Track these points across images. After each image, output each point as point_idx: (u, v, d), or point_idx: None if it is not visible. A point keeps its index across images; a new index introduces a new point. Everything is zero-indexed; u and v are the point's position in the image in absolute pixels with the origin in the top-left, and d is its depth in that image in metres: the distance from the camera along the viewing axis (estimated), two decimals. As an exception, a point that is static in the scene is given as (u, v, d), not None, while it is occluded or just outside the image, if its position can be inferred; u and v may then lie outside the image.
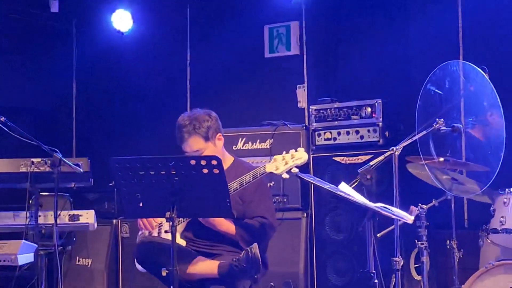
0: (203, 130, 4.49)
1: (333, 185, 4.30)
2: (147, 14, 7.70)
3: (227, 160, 4.64)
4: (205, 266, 4.30)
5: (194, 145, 4.49)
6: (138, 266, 4.68)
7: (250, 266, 4.13)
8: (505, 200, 4.94)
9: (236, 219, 4.47)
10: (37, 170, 6.03)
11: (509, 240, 4.96)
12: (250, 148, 6.31)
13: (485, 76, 4.83)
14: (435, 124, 4.74)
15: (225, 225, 4.46)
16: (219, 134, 4.57)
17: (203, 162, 3.80)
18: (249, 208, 4.51)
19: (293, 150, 4.28)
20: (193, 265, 4.30)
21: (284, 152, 4.27)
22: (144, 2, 7.61)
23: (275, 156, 4.32)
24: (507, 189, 4.97)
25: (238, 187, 4.31)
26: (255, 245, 4.17)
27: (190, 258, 4.33)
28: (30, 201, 5.95)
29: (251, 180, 4.32)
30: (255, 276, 4.32)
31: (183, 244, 4.48)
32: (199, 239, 4.53)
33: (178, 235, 4.48)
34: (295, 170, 4.27)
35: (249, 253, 4.13)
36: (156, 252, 4.29)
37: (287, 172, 4.24)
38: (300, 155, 4.25)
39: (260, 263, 4.17)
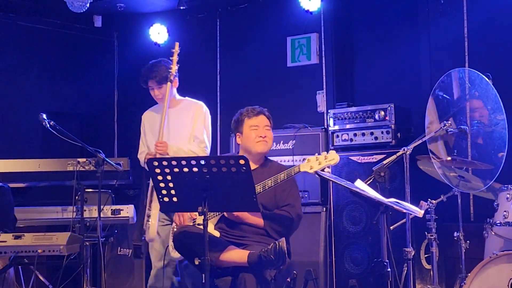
0: (271, 121, 4.79)
1: (349, 182, 4.29)
2: (181, 28, 7.72)
3: (261, 159, 4.74)
4: (236, 255, 4.29)
5: (267, 121, 4.73)
6: (173, 254, 4.69)
7: (277, 258, 4.13)
8: (508, 195, 4.89)
9: (266, 212, 4.50)
10: (83, 169, 6.07)
11: (512, 232, 4.93)
12: (274, 148, 6.30)
13: (489, 82, 4.80)
14: (443, 126, 4.71)
15: (252, 219, 4.50)
16: None
17: (231, 162, 3.80)
18: (281, 197, 4.57)
19: (325, 152, 4.37)
20: (225, 253, 4.29)
21: (317, 154, 4.34)
22: (178, 17, 7.64)
23: (309, 157, 4.40)
24: (509, 186, 4.92)
25: (272, 185, 4.39)
26: (283, 239, 4.17)
27: (222, 247, 4.32)
28: (76, 197, 5.98)
29: (285, 178, 4.40)
30: (281, 267, 4.33)
31: (217, 235, 4.50)
32: (232, 231, 4.54)
33: (212, 227, 4.50)
34: (327, 170, 4.35)
35: (277, 246, 4.12)
36: (192, 240, 4.30)
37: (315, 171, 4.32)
38: (333, 157, 4.34)
39: (286, 255, 4.17)
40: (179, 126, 5.36)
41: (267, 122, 4.73)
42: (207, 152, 5.27)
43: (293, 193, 4.62)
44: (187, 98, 5.57)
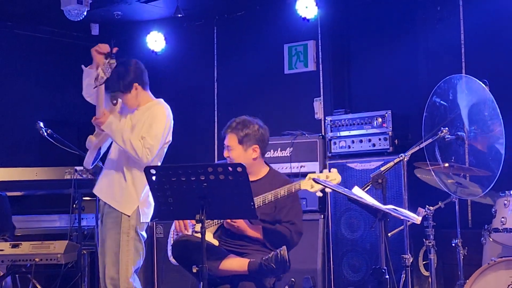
0: (240, 134, 4.48)
1: (347, 189, 4.28)
2: (178, 36, 7.74)
3: (263, 170, 4.61)
4: (236, 263, 4.26)
5: (229, 140, 4.53)
6: (172, 260, 4.68)
7: (278, 267, 4.11)
8: (505, 201, 4.89)
9: (266, 225, 4.46)
10: (80, 177, 6.09)
11: (510, 239, 4.91)
12: (272, 156, 6.30)
13: (486, 88, 4.80)
14: (440, 133, 4.72)
15: (253, 232, 4.46)
16: (255, 145, 4.51)
17: (229, 169, 3.79)
18: (281, 212, 4.48)
19: (326, 170, 4.34)
20: (225, 262, 4.27)
21: (318, 171, 4.29)
22: (175, 25, 7.65)
23: (310, 174, 4.29)
24: (507, 192, 4.93)
25: (273, 199, 4.31)
26: (285, 247, 4.15)
27: (222, 255, 4.30)
28: (74, 205, 5.99)
29: (285, 194, 4.31)
30: (281, 275, 4.32)
31: (216, 243, 4.47)
32: (231, 239, 4.51)
33: (211, 235, 4.48)
34: (328, 190, 4.28)
35: (278, 255, 4.10)
36: (191, 249, 4.27)
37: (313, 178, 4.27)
38: (334, 176, 4.28)
39: (288, 264, 4.15)
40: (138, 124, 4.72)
41: (231, 141, 4.50)
42: (148, 157, 4.47)
43: (294, 209, 4.52)
44: (160, 100, 4.92)
